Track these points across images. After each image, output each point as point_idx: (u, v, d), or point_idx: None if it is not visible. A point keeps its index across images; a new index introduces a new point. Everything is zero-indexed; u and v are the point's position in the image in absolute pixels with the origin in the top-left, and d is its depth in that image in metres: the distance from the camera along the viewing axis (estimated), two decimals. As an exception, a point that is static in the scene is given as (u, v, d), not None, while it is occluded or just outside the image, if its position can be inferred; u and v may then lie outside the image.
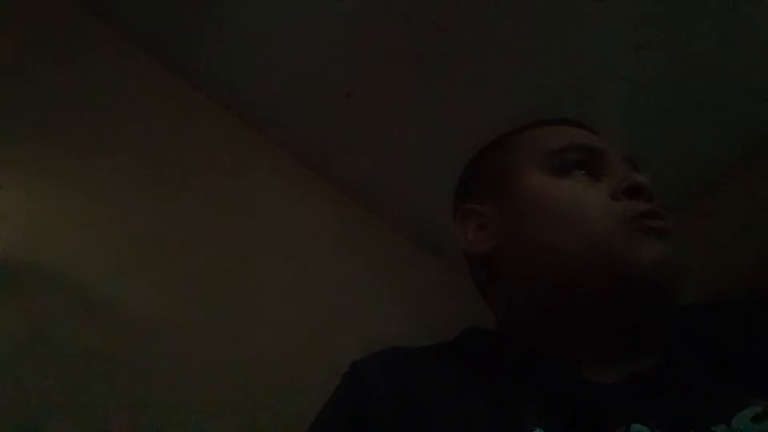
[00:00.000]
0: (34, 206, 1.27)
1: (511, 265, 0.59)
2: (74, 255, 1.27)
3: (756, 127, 1.67)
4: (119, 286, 1.31)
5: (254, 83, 1.68)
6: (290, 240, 1.67)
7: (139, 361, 1.24)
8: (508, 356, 0.56)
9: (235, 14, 1.54)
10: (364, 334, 1.55)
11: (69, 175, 1.35)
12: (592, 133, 0.65)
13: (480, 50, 1.57)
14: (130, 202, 1.41)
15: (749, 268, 1.51)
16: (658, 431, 0.43)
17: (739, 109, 1.64)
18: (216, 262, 1.48)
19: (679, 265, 0.52)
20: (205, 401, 1.27)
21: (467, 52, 1.57)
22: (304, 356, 1.46)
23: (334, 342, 1.50)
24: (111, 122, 1.47)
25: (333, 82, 1.66)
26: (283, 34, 1.57)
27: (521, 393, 0.49)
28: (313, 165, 1.84)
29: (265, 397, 1.34)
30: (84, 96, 1.45)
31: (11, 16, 1.40)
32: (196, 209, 1.52)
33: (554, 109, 1.66)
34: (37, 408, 1.08)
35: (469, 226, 0.63)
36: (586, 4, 1.47)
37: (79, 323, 1.21)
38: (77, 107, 1.42)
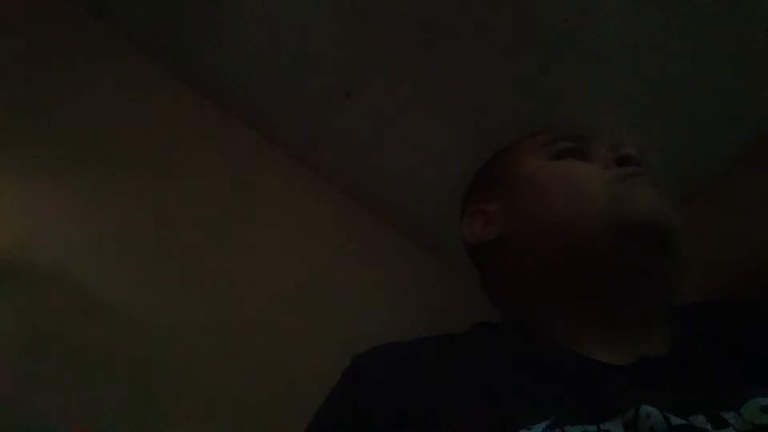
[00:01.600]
0: (33, 207, 1.27)
1: (519, 244, 0.61)
2: (74, 255, 1.27)
3: (756, 127, 1.67)
4: (119, 286, 1.30)
5: (254, 83, 1.68)
6: (290, 240, 1.67)
7: (139, 360, 1.24)
8: (515, 344, 0.56)
9: (234, 15, 1.54)
10: (364, 333, 1.54)
11: (69, 176, 1.35)
12: None
13: (480, 50, 1.57)
14: (130, 203, 1.41)
15: (749, 267, 1.51)
16: (667, 413, 0.42)
17: (739, 109, 1.64)
18: (216, 262, 1.48)
19: (674, 212, 0.54)
20: (205, 400, 1.27)
21: (467, 51, 1.57)
22: (304, 355, 1.46)
23: (334, 341, 1.50)
24: (110, 122, 1.47)
25: (333, 82, 1.66)
26: (283, 35, 1.57)
27: (531, 381, 0.49)
28: (313, 165, 1.84)
29: (265, 395, 1.34)
30: (83, 96, 1.45)
31: (11, 16, 1.40)
32: (196, 209, 1.52)
33: (554, 108, 1.66)
34: (37, 408, 1.08)
35: (476, 223, 0.65)
36: (587, 4, 1.47)
37: (79, 323, 1.21)
38: (77, 107, 1.42)
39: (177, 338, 1.31)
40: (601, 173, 0.58)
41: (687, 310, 0.57)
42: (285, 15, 1.53)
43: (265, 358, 1.41)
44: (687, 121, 1.68)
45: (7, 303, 1.15)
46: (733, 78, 1.58)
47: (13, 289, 1.18)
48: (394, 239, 1.95)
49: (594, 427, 0.43)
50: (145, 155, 1.49)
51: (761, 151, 1.67)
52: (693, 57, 1.55)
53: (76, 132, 1.40)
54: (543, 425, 0.43)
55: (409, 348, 0.57)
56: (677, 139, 1.71)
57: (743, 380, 0.46)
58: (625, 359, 0.51)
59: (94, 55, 1.52)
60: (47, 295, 1.20)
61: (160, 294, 1.35)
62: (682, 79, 1.59)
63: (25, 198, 1.27)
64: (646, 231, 0.53)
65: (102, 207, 1.37)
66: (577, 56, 1.56)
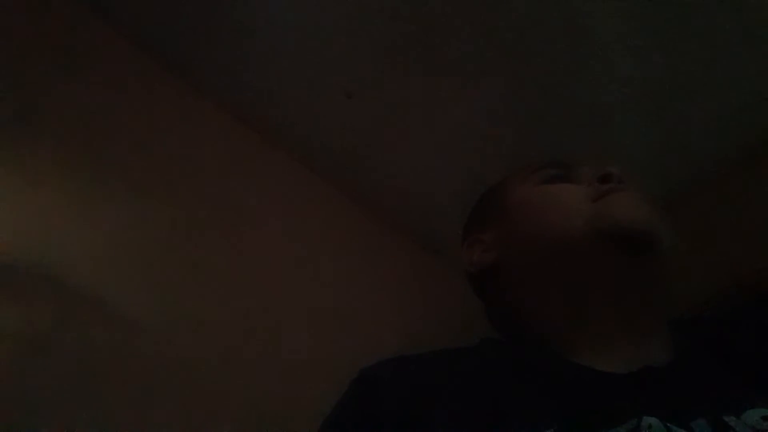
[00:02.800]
0: (33, 207, 1.27)
1: (515, 265, 0.64)
2: (74, 255, 1.27)
3: (756, 127, 1.67)
4: (119, 287, 1.31)
5: (254, 83, 1.68)
6: (290, 240, 1.67)
7: (139, 361, 1.24)
8: (520, 357, 0.57)
9: (234, 15, 1.54)
10: (364, 333, 1.55)
11: (69, 176, 1.35)
12: None
13: (480, 50, 1.57)
14: (130, 203, 1.41)
15: (748, 268, 1.51)
16: (668, 424, 0.43)
17: (739, 109, 1.64)
18: (215, 262, 1.48)
19: (656, 215, 0.57)
20: (204, 402, 1.27)
21: (467, 52, 1.57)
22: (304, 356, 1.46)
23: (334, 341, 1.50)
24: (111, 122, 1.47)
25: (333, 82, 1.66)
26: (283, 35, 1.57)
27: (535, 391, 0.50)
28: (313, 165, 1.84)
29: (266, 397, 1.34)
30: (84, 96, 1.45)
31: (11, 16, 1.40)
32: (196, 209, 1.52)
33: (554, 109, 1.66)
34: (37, 408, 1.08)
35: (475, 252, 0.69)
36: (587, 4, 1.47)
37: (79, 323, 1.21)
38: (77, 108, 1.42)
39: (177, 338, 1.31)
40: (583, 191, 0.61)
41: (689, 322, 0.59)
42: (285, 15, 1.53)
43: (265, 358, 1.41)
44: (687, 121, 1.68)
45: (7, 303, 1.15)
46: (733, 78, 1.58)
47: (13, 289, 1.18)
48: (394, 239, 1.95)
49: None
50: (145, 155, 1.49)
51: (761, 151, 1.67)
52: (693, 56, 1.55)
53: (76, 132, 1.40)
54: None
55: (415, 360, 0.58)
56: (677, 139, 1.72)
57: (748, 389, 0.47)
58: (627, 369, 0.52)
59: (94, 55, 1.52)
60: (47, 295, 1.20)
61: (161, 294, 1.35)
62: (681, 78, 1.59)
63: (25, 198, 1.27)
64: (627, 235, 0.55)
65: (102, 207, 1.37)
66: (578, 57, 1.56)
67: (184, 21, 1.56)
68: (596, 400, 0.47)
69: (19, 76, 1.36)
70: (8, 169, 1.28)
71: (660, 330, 0.56)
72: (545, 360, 0.55)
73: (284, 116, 1.74)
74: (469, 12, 1.50)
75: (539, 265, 0.60)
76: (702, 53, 1.54)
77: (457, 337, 0.63)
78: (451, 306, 1.49)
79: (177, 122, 1.60)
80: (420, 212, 1.93)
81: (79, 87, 1.45)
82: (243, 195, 1.63)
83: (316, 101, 1.71)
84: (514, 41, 1.55)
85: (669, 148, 1.72)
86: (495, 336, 0.65)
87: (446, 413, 0.49)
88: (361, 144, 1.80)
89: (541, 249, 0.60)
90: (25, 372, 1.11)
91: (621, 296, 0.56)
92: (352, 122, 1.75)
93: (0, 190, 1.25)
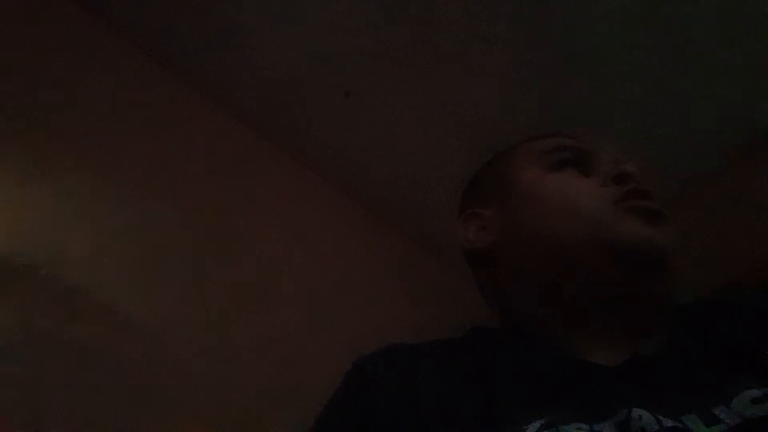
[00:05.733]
0: (33, 207, 1.27)
1: (510, 255, 0.61)
2: (74, 255, 1.27)
3: (756, 127, 1.67)
4: (119, 287, 1.31)
5: (254, 83, 1.68)
6: (290, 240, 1.67)
7: (139, 361, 1.24)
8: (511, 347, 0.56)
9: (235, 15, 1.54)
10: (365, 334, 1.55)
11: (68, 176, 1.35)
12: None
13: (479, 50, 1.57)
14: (130, 203, 1.41)
15: (749, 266, 1.51)
16: (659, 416, 0.43)
17: (739, 109, 1.64)
18: (215, 262, 1.48)
19: (666, 236, 0.54)
20: (204, 401, 1.27)
21: (467, 51, 1.57)
22: (304, 356, 1.46)
23: (334, 342, 1.50)
24: (110, 122, 1.47)
25: (333, 82, 1.66)
26: (283, 35, 1.57)
27: (525, 382, 0.50)
28: (314, 165, 1.84)
29: (265, 395, 1.35)
30: (84, 96, 1.45)
31: (12, 16, 1.40)
32: (196, 209, 1.52)
33: (554, 107, 1.66)
34: (37, 408, 1.08)
35: (471, 228, 0.66)
36: (587, 4, 1.47)
37: (78, 323, 1.21)
38: (77, 107, 1.42)
39: (176, 338, 1.31)
40: (596, 192, 0.58)
41: (683, 308, 0.58)
42: (284, 15, 1.53)
43: (265, 358, 1.41)
44: (686, 121, 1.68)
45: (6, 303, 1.15)
46: (732, 78, 1.58)
47: (13, 289, 1.18)
48: (394, 239, 1.95)
49: (587, 426, 0.43)
50: (144, 155, 1.49)
51: (760, 151, 1.67)
52: (693, 56, 1.55)
53: (75, 132, 1.40)
54: (538, 424, 0.44)
55: (408, 350, 0.58)
56: (677, 138, 1.72)
57: (737, 375, 0.46)
58: (619, 358, 0.51)
59: (94, 54, 1.52)
60: (47, 295, 1.20)
61: (160, 294, 1.35)
62: (681, 78, 1.59)
63: (25, 198, 1.27)
64: (633, 259, 0.53)
65: (101, 207, 1.37)
66: (578, 56, 1.57)
67: (184, 21, 1.56)
68: (587, 392, 0.47)
69: (18, 76, 1.36)
70: (8, 169, 1.28)
71: (656, 327, 0.55)
72: (536, 351, 0.54)
73: (284, 116, 1.74)
74: (470, 12, 1.50)
75: (538, 261, 0.58)
76: (703, 52, 1.54)
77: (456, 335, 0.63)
78: (451, 305, 1.49)
79: (177, 122, 1.60)
80: (420, 212, 1.93)
81: (79, 87, 1.45)
82: (242, 195, 1.63)
83: (316, 101, 1.71)
84: (513, 41, 1.55)
85: (669, 147, 1.72)
86: (485, 324, 0.63)
87: (437, 404, 0.49)
88: (361, 143, 1.80)
89: (543, 245, 0.58)
90: (25, 372, 1.11)
91: (620, 302, 0.54)
92: (351, 122, 1.75)
93: (0, 190, 1.25)
